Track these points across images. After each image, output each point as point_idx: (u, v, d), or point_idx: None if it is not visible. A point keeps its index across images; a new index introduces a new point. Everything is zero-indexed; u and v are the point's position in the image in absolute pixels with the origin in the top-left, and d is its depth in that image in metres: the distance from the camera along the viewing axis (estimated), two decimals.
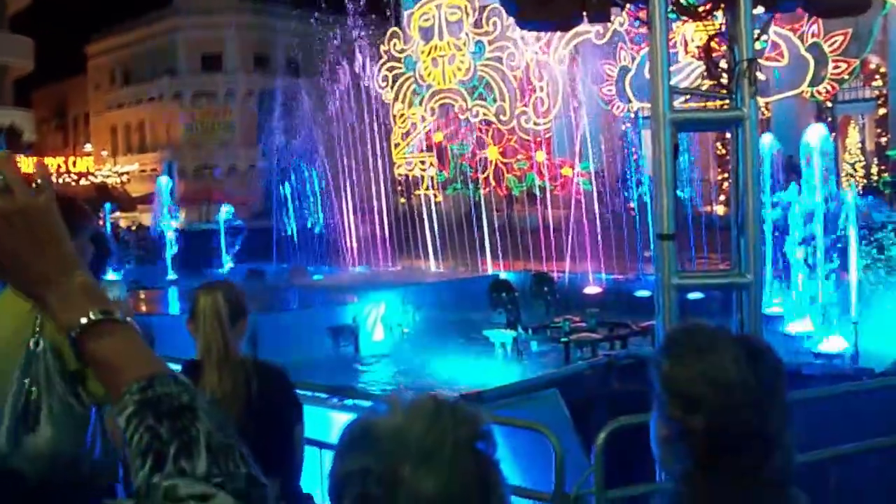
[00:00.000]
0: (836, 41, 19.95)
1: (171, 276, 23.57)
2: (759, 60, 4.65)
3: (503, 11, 17.73)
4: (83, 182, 47.47)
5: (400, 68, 28.02)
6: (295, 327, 12.85)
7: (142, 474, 0.97)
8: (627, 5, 4.02)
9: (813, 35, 19.95)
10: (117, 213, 38.56)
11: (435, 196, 27.02)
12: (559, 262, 20.05)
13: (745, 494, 1.57)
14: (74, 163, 49.73)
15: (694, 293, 7.30)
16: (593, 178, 23.71)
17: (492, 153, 27.64)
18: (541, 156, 26.05)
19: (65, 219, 1.12)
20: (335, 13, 28.36)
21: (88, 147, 54.94)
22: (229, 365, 3.22)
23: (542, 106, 25.33)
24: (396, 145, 28.81)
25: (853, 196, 11.75)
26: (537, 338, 13.38)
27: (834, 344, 10.55)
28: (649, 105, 4.03)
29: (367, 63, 27.21)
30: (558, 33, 21.33)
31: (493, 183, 27.55)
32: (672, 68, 4.02)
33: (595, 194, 23.31)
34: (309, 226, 27.65)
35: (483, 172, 27.49)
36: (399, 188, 29.27)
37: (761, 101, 16.01)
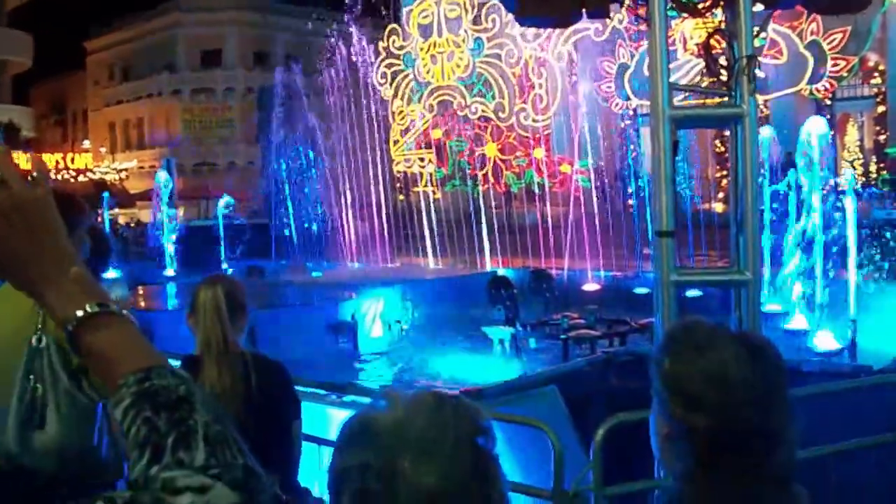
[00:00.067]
0: (834, 39, 19.94)
1: (171, 272, 23.57)
2: (759, 58, 4.65)
3: (502, 8, 17.72)
4: (81, 178, 47.46)
5: (399, 65, 28.01)
6: (294, 324, 12.83)
7: (139, 466, 0.97)
8: (627, 2, 4.01)
9: (812, 33, 19.93)
10: (116, 210, 38.55)
11: (434, 193, 27.02)
12: (558, 258, 20.05)
13: (746, 492, 1.56)
14: (73, 159, 49.76)
15: (691, 291, 7.31)
16: (592, 175, 23.71)
17: (490, 150, 27.64)
18: (539, 153, 26.04)
19: (62, 213, 1.12)
20: (335, 10, 28.38)
21: (87, 143, 54.89)
22: (229, 359, 3.22)
23: (540, 103, 25.32)
24: (395, 142, 28.80)
25: (850, 180, 11.69)
26: (536, 334, 13.39)
27: (832, 341, 10.56)
28: (648, 102, 4.02)
29: (366, 60, 27.20)
30: (557, 30, 21.32)
31: (491, 180, 27.55)
32: (671, 66, 4.01)
33: (594, 191, 23.32)
34: (308, 223, 27.65)
35: (482, 169, 27.49)
36: (398, 185, 29.27)
37: (760, 98, 16.00)
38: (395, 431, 1.07)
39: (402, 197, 28.97)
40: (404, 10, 28.43)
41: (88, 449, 2.75)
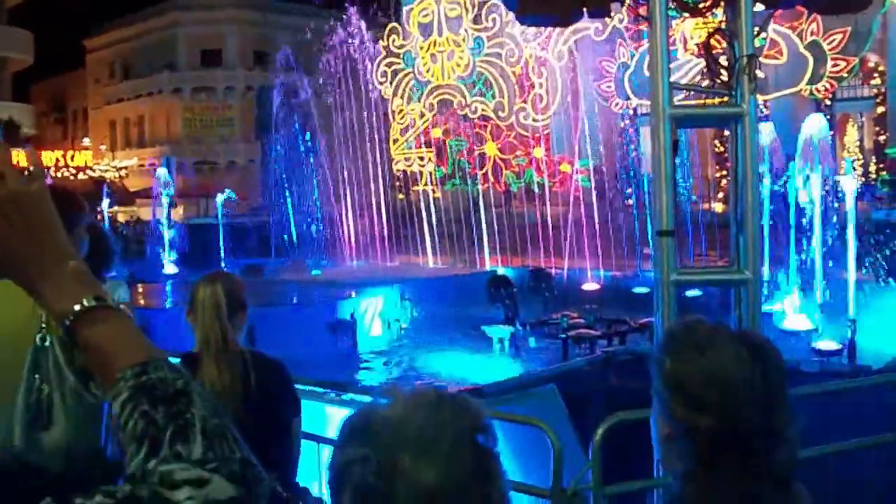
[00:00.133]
0: (834, 39, 19.93)
1: (170, 269, 23.57)
2: (759, 58, 4.64)
3: (503, 7, 17.73)
4: (81, 176, 47.42)
5: (399, 64, 27.99)
6: (293, 322, 12.83)
7: (137, 460, 0.97)
8: (627, 1, 4.01)
9: (812, 33, 19.92)
10: (116, 208, 38.53)
11: (433, 192, 27.01)
12: (557, 258, 20.06)
13: (747, 491, 1.56)
14: (73, 157, 49.70)
15: (691, 290, 7.31)
16: (592, 174, 23.70)
17: (490, 149, 27.62)
18: (539, 152, 26.03)
19: (59, 210, 1.11)
20: (335, 9, 28.36)
21: (87, 141, 54.82)
22: (228, 357, 3.21)
23: (540, 102, 25.30)
24: (395, 141, 28.79)
25: (850, 173, 11.68)
26: (535, 334, 13.40)
27: (831, 342, 10.56)
28: (648, 102, 4.02)
29: (367, 59, 27.19)
30: (557, 30, 21.30)
31: (491, 179, 27.53)
32: (671, 65, 4.01)
33: (594, 191, 23.31)
34: (307, 221, 27.65)
35: (482, 168, 27.48)
36: (397, 184, 29.27)
37: (760, 98, 16.00)
38: (394, 428, 1.07)
39: (401, 196, 28.98)
40: (404, 9, 28.42)
41: (95, 448, 2.74)
